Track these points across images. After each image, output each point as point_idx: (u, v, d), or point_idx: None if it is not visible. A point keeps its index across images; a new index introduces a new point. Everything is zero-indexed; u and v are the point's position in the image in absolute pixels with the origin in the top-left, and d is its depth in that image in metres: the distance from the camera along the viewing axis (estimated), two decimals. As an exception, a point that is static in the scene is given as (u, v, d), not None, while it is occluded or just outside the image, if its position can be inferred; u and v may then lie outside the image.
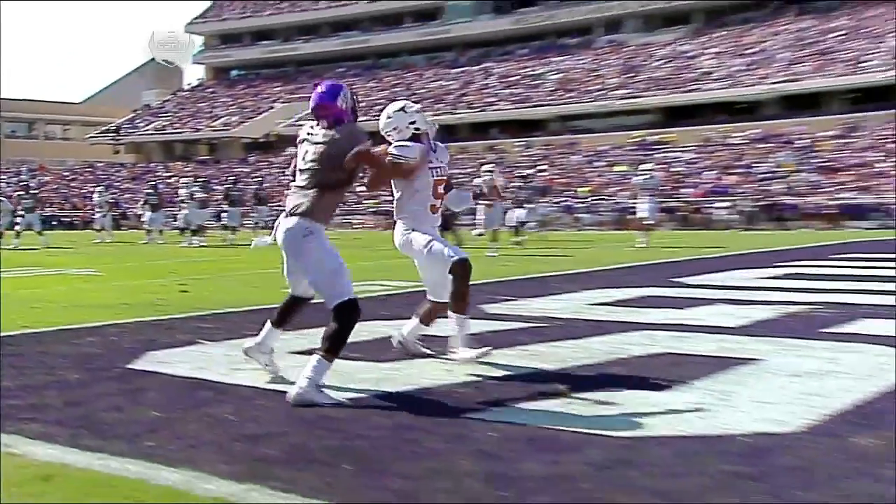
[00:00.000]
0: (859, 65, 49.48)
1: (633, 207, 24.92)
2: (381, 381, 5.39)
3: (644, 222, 22.32)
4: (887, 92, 47.55)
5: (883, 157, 40.89)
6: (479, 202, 19.13)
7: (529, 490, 3.36)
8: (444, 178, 6.09)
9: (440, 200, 6.12)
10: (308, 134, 5.41)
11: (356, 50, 75.90)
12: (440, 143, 6.18)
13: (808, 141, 45.06)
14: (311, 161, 5.29)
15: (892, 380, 5.30)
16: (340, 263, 5.13)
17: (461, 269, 5.81)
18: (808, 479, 3.51)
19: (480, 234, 19.92)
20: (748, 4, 59.78)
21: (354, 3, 75.45)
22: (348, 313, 5.02)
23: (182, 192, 29.28)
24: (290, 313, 5.63)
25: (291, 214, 5.24)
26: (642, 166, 25.93)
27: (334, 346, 4.98)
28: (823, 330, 7.32)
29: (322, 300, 5.16)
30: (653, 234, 22.29)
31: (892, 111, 46.17)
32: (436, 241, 5.95)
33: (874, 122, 45.58)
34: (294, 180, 5.40)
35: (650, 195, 22.41)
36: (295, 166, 5.45)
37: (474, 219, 20.64)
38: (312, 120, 5.51)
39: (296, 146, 5.53)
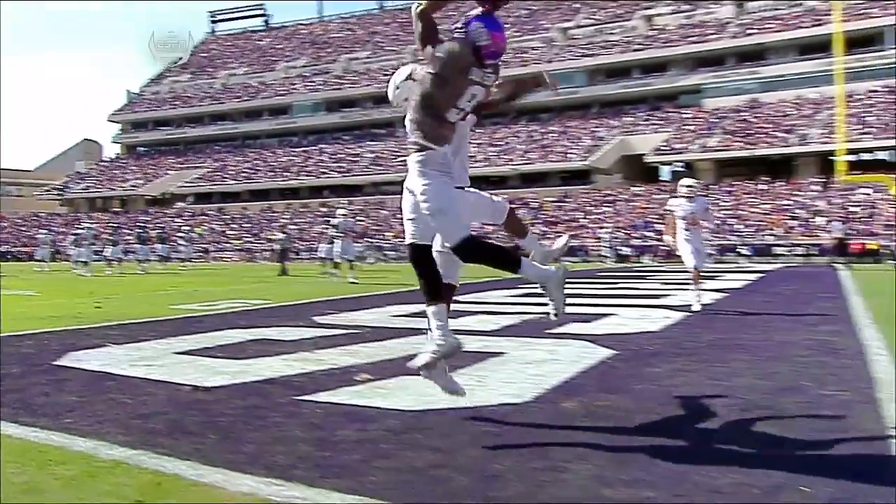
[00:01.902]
0: (567, 155, 52.08)
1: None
2: (237, 374, 5.11)
3: None
4: (585, 173, 50.69)
5: (583, 216, 43.25)
6: (336, 236, 18.42)
7: (345, 450, 3.27)
8: None
9: None
10: (481, 79, 3.61)
11: (228, 134, 74.12)
12: None
13: (539, 204, 46.90)
14: (472, 105, 3.75)
15: (589, 363, 5.47)
16: None
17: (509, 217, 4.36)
18: (534, 433, 3.57)
19: (334, 262, 18.95)
20: (497, 114, 61.94)
21: (227, 101, 74.22)
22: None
23: (81, 231, 27.89)
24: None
25: None
26: None
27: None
28: (547, 331, 7.40)
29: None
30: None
31: (588, 186, 49.28)
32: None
33: (577, 193, 48.28)
34: (449, 112, 3.74)
35: None
36: (456, 97, 3.65)
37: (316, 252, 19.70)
38: (480, 68, 3.58)
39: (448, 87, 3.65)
